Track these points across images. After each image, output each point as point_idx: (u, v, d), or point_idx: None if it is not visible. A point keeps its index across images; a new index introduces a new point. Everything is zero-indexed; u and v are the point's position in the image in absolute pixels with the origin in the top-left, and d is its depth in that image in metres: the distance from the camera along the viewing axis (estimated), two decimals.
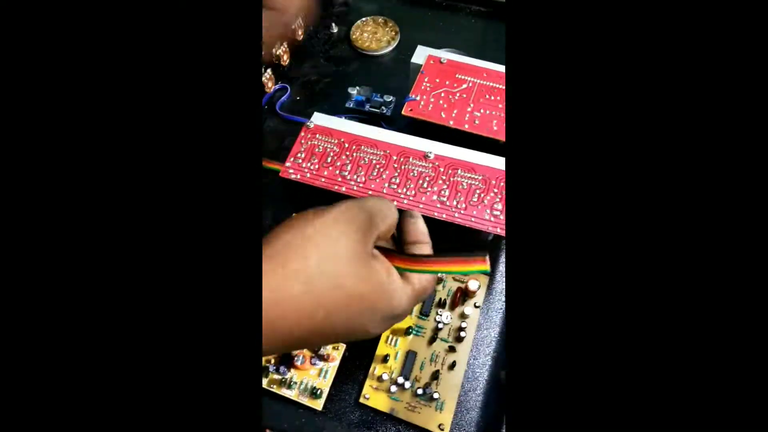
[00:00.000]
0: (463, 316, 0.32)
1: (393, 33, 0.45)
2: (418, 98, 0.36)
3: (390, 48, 0.44)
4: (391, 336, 0.31)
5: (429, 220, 0.32)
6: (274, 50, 0.41)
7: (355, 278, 0.19)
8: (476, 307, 0.32)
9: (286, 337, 0.19)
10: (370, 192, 0.32)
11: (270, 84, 0.40)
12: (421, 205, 0.32)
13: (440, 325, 0.31)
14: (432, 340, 0.31)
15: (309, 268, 0.18)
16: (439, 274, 0.28)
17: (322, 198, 0.34)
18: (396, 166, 0.33)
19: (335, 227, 0.20)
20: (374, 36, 0.45)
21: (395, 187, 0.32)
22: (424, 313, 0.32)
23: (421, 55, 0.39)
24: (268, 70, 0.40)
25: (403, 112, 0.36)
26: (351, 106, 0.39)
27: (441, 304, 0.32)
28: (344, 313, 0.19)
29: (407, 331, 0.31)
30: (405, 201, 0.32)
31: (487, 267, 0.23)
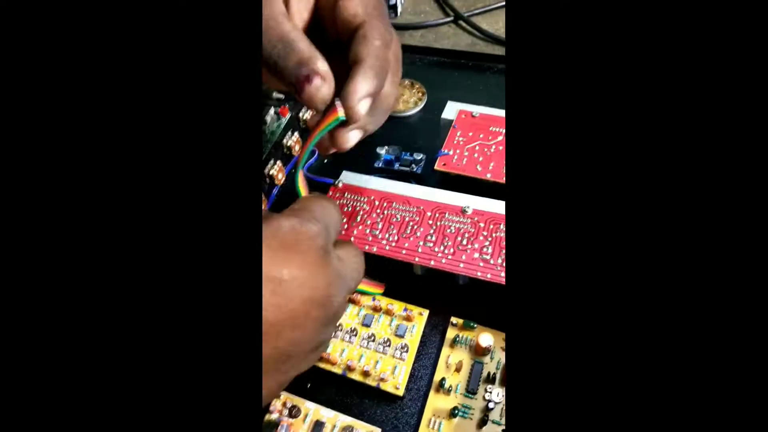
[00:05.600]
0: None
1: (420, 94, 0.44)
2: (450, 153, 0.34)
3: (417, 109, 0.43)
4: (433, 419, 0.27)
5: (473, 282, 0.28)
6: (300, 114, 0.40)
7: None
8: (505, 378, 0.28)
9: None
10: (403, 251, 0.29)
11: (297, 148, 0.39)
12: (461, 264, 0.28)
13: (491, 404, 0.27)
14: (482, 422, 0.27)
15: None
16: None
17: None
18: (431, 222, 0.30)
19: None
20: (401, 98, 0.44)
21: (431, 245, 0.29)
22: (470, 391, 0.27)
23: (451, 110, 0.37)
24: (296, 134, 0.39)
25: (435, 167, 0.34)
26: (380, 165, 0.37)
27: (490, 380, 0.28)
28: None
29: (452, 413, 0.27)
30: (443, 260, 0.29)
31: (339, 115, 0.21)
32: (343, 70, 0.21)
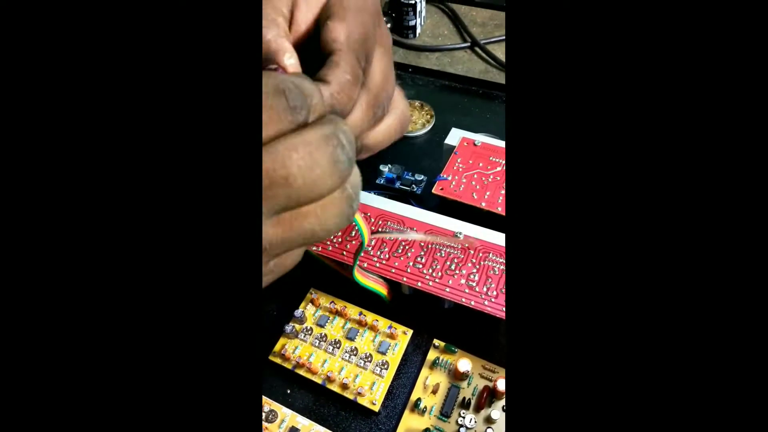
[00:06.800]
0: (489, 421, 0.28)
1: (428, 116, 0.45)
2: (449, 178, 0.35)
3: (424, 130, 0.44)
4: None
5: (458, 307, 0.29)
6: None
7: None
8: (505, 410, 0.28)
9: None
10: (393, 270, 0.30)
11: None
12: (447, 289, 0.29)
13: (462, 429, 0.27)
14: None
15: None
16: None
17: (339, 276, 0.32)
18: (422, 244, 0.31)
19: None
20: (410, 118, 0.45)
21: (420, 266, 0.30)
22: (444, 414, 0.28)
23: (455, 137, 0.38)
24: None
25: (433, 191, 0.35)
26: (381, 182, 0.38)
27: (465, 405, 0.28)
28: None
29: None
30: (430, 282, 0.29)
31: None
32: None
